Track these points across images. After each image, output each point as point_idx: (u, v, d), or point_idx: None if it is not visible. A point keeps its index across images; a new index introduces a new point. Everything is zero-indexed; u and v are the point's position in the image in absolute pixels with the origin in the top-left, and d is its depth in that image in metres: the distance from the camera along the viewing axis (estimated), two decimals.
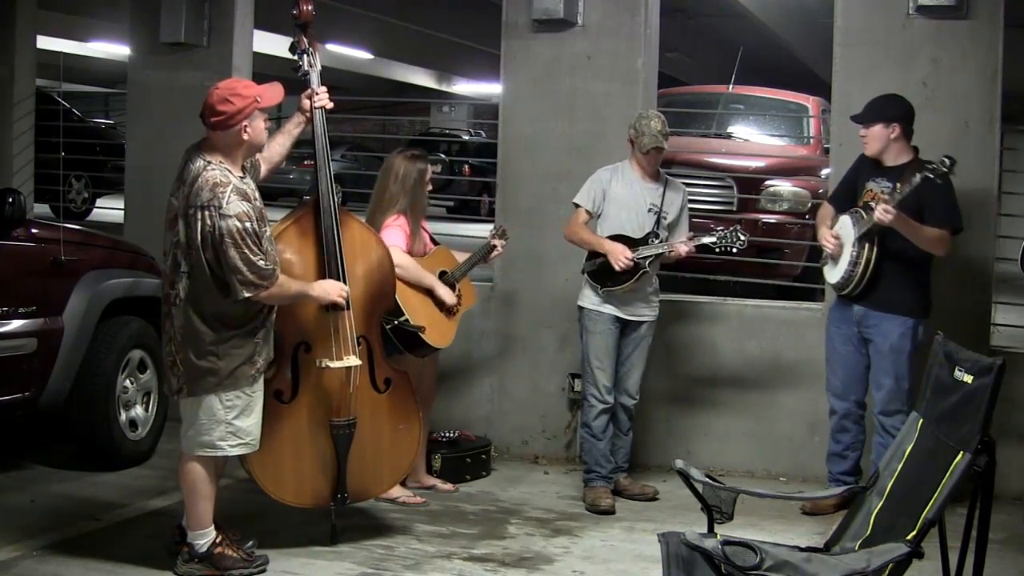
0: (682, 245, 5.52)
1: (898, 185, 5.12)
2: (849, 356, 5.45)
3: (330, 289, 4.53)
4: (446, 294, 5.47)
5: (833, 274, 5.42)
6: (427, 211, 5.66)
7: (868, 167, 5.43)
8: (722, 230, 5.55)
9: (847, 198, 5.48)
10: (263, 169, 4.57)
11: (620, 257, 5.43)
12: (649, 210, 5.60)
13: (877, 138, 5.31)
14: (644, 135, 5.52)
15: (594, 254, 5.59)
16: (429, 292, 5.43)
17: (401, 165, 5.47)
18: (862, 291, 5.30)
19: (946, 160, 4.94)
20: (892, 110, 5.32)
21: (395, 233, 5.35)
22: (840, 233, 5.37)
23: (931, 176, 4.95)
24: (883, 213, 5.03)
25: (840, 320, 5.48)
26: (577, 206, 5.68)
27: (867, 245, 5.23)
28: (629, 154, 5.67)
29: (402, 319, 5.25)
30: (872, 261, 5.23)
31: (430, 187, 5.57)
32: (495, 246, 5.81)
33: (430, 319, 5.39)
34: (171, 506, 5.11)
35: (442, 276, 5.54)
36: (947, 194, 5.20)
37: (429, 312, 5.41)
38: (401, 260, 5.29)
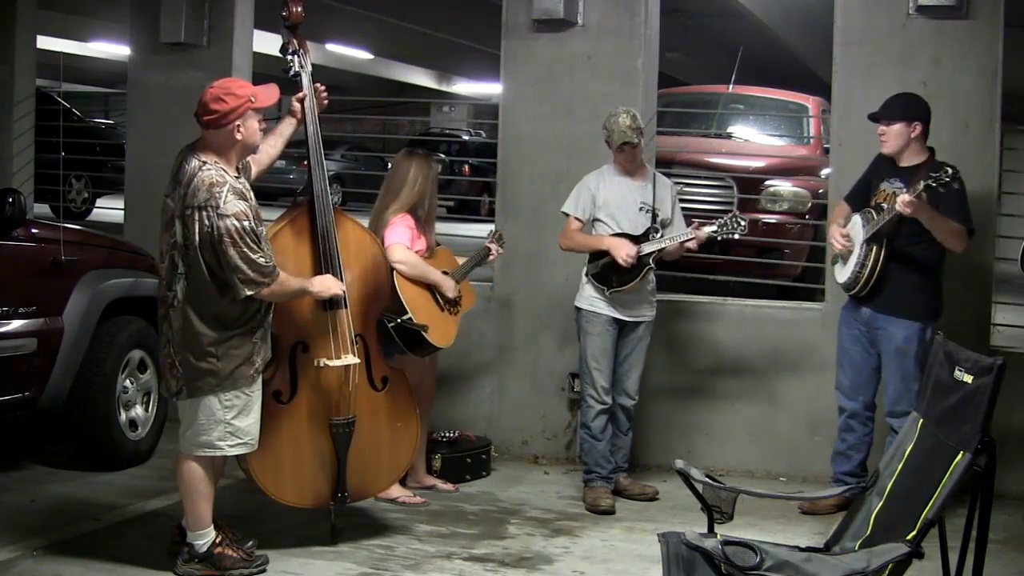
0: (696, 233, 5.46)
1: (912, 186, 5.10)
2: (858, 356, 5.46)
3: (330, 284, 4.53)
4: (451, 289, 5.46)
5: (842, 274, 5.44)
6: (436, 211, 5.67)
7: (883, 167, 5.41)
8: (722, 218, 5.53)
9: (862, 198, 5.47)
10: (253, 171, 4.57)
11: (625, 251, 5.42)
12: (641, 208, 5.58)
13: (898, 136, 5.28)
14: (614, 132, 5.51)
15: (596, 255, 5.59)
16: (431, 291, 5.44)
17: (411, 164, 5.47)
18: (869, 293, 5.31)
19: (948, 170, 4.92)
20: (915, 109, 5.31)
21: (400, 231, 5.34)
22: (850, 232, 5.38)
23: (933, 185, 4.94)
24: (904, 205, 4.98)
25: (850, 321, 5.49)
26: (567, 215, 5.67)
27: (875, 246, 5.23)
28: (610, 156, 5.67)
29: (405, 318, 5.24)
30: (880, 262, 5.24)
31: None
32: (490, 250, 5.81)
33: (432, 319, 5.38)
34: (171, 506, 5.11)
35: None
36: (962, 195, 5.19)
37: (431, 311, 5.41)
38: (405, 256, 5.29)
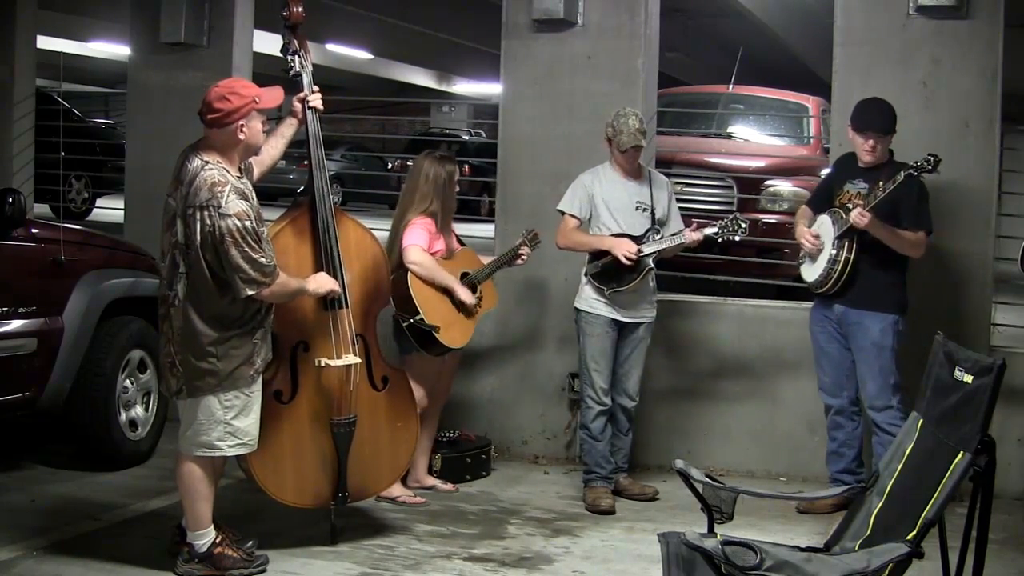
0: (693, 233, 5.47)
1: (880, 183, 5.14)
2: (836, 353, 5.49)
3: (323, 281, 4.54)
4: (464, 294, 5.47)
5: (810, 272, 5.46)
6: (455, 212, 5.67)
7: (845, 169, 5.49)
8: (723, 220, 5.53)
9: (824, 201, 5.53)
10: (255, 172, 4.57)
11: (626, 250, 5.41)
12: (638, 208, 5.58)
13: (887, 145, 5.33)
14: (623, 134, 5.48)
15: (596, 255, 5.58)
16: (448, 292, 5.45)
17: (431, 167, 5.51)
18: (840, 289, 5.35)
19: (931, 158, 4.97)
20: (895, 114, 5.34)
21: (418, 232, 5.39)
22: (820, 232, 5.41)
23: (915, 174, 4.99)
24: (858, 217, 5.10)
25: (821, 319, 5.53)
26: (563, 213, 5.64)
27: (846, 244, 5.28)
28: (608, 155, 5.66)
29: (417, 317, 5.28)
30: (851, 260, 5.28)
31: (457, 188, 5.60)
32: (521, 253, 5.73)
33: (447, 319, 5.41)
34: (171, 506, 5.11)
35: (464, 277, 5.55)
36: (921, 196, 5.25)
37: (446, 311, 5.43)
38: (419, 258, 5.32)
